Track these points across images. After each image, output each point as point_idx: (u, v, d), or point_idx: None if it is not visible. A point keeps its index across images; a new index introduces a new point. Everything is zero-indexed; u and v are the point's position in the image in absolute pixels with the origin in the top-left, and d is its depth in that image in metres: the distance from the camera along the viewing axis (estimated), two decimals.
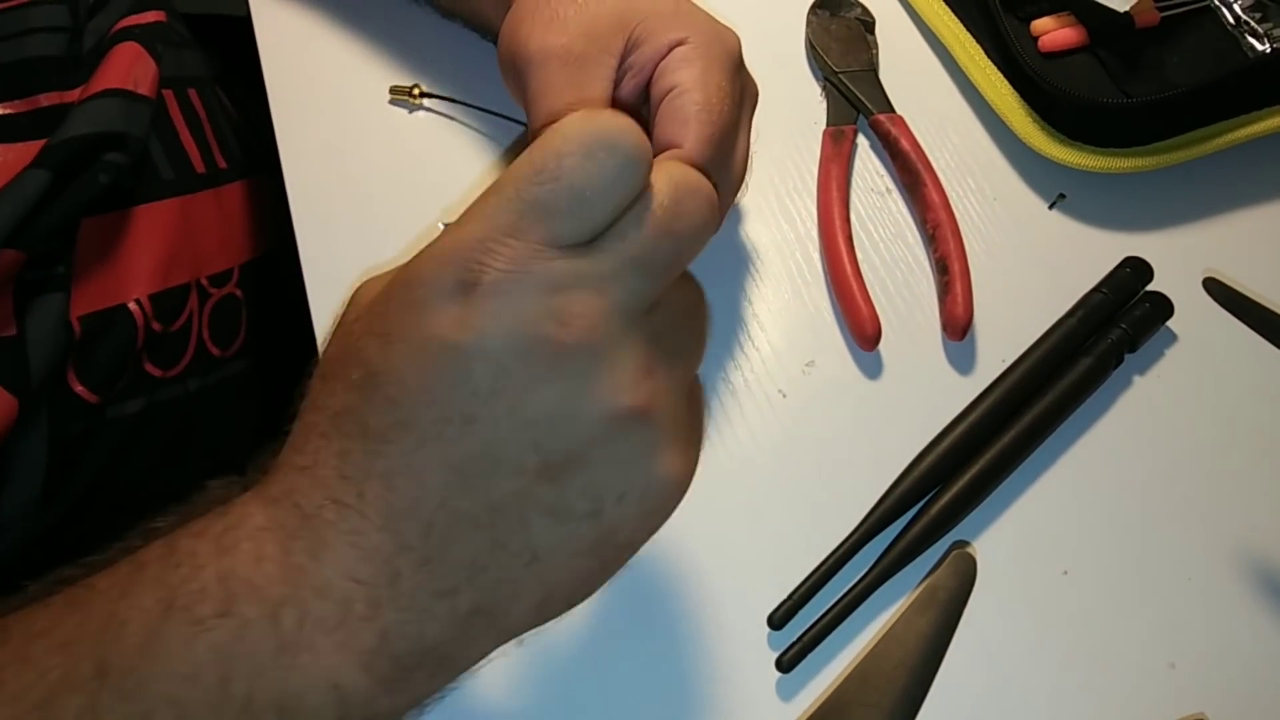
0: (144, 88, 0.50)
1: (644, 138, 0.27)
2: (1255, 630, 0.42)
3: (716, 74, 0.39)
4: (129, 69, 0.49)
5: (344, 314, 0.29)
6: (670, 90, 0.38)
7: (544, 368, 0.25)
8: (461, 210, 0.27)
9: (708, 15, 0.41)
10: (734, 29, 0.41)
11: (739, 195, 0.44)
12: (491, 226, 0.25)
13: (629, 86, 0.40)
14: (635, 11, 0.39)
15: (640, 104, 0.40)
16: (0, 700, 0.26)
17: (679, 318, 0.29)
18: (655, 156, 0.34)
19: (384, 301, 0.27)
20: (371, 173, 0.50)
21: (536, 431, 0.26)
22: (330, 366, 0.28)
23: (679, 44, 0.39)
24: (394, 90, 0.52)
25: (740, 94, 0.41)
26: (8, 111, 0.45)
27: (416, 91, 0.51)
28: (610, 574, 0.28)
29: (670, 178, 0.28)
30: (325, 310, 0.47)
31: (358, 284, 0.29)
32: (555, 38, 0.39)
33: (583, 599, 0.28)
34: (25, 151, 0.44)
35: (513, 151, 0.34)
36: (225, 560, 0.26)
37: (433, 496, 0.26)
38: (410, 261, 0.27)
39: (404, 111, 0.52)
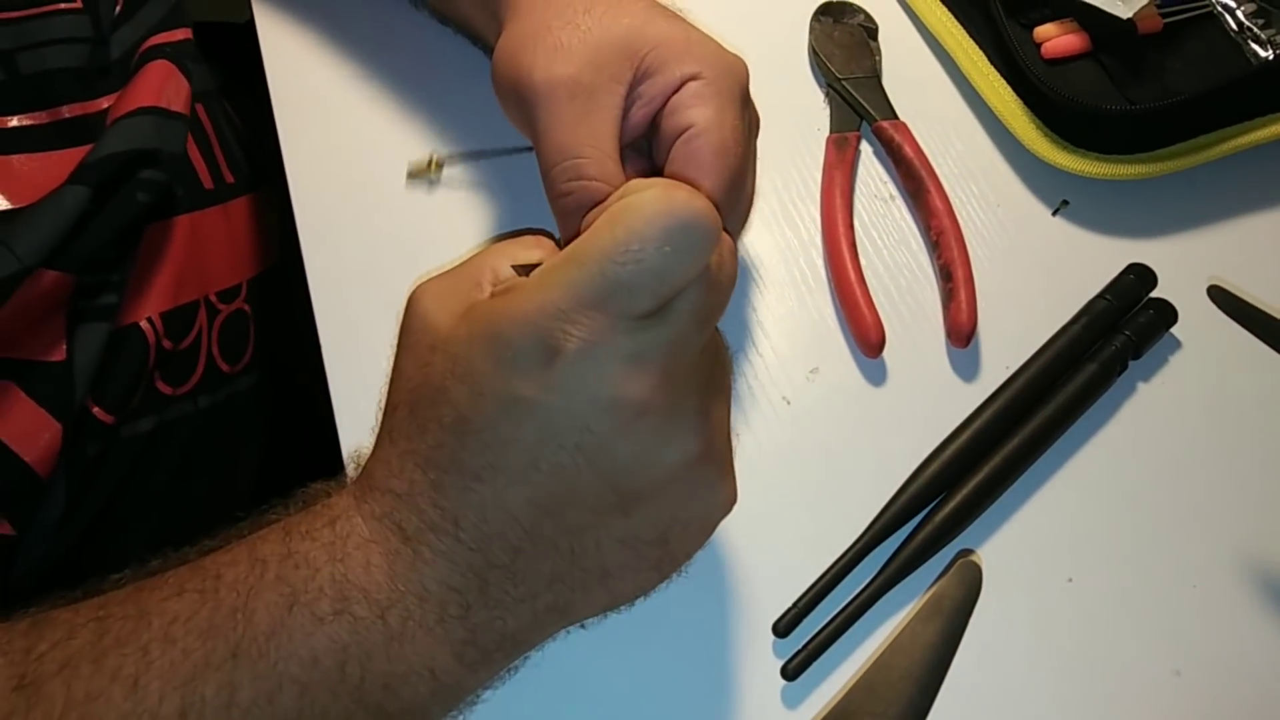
0: (178, 105, 0.50)
1: (716, 215, 0.30)
2: (1261, 637, 0.42)
3: (730, 112, 0.39)
4: (161, 87, 0.49)
5: (411, 329, 0.33)
6: (686, 129, 0.38)
7: (622, 426, 0.29)
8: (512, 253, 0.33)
9: (717, 45, 0.40)
10: (740, 54, 0.40)
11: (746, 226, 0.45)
12: (574, 298, 0.29)
13: (638, 116, 0.39)
14: (644, 40, 0.39)
15: (647, 134, 0.40)
16: (152, 675, 0.29)
17: (715, 355, 0.33)
18: None
19: (468, 347, 0.30)
20: (374, 182, 0.50)
21: (615, 478, 0.30)
22: (418, 400, 0.31)
23: (692, 78, 0.39)
24: (412, 168, 0.50)
25: (749, 127, 0.41)
26: (31, 123, 0.45)
27: (434, 162, 0.50)
28: (668, 578, 0.33)
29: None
30: (331, 323, 0.47)
31: (414, 289, 0.33)
32: (561, 68, 0.38)
33: (644, 597, 0.33)
34: (50, 161, 0.44)
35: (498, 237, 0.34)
36: (338, 566, 0.31)
37: (519, 526, 0.30)
38: (495, 314, 0.30)
39: (408, 125, 0.52)
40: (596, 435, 0.29)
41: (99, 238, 0.44)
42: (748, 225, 0.49)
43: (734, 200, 0.39)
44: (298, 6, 0.55)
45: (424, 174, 0.50)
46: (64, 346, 0.44)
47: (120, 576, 0.34)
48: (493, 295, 0.31)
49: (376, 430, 0.33)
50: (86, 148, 0.45)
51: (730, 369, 0.35)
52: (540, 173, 0.39)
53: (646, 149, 0.41)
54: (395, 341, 0.33)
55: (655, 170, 0.40)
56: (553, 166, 0.38)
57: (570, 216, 0.38)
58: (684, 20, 0.41)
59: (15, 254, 0.41)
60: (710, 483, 0.32)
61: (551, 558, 0.31)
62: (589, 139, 0.38)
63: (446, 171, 0.50)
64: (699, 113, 0.38)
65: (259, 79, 0.54)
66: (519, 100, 0.40)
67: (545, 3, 0.40)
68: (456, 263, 0.34)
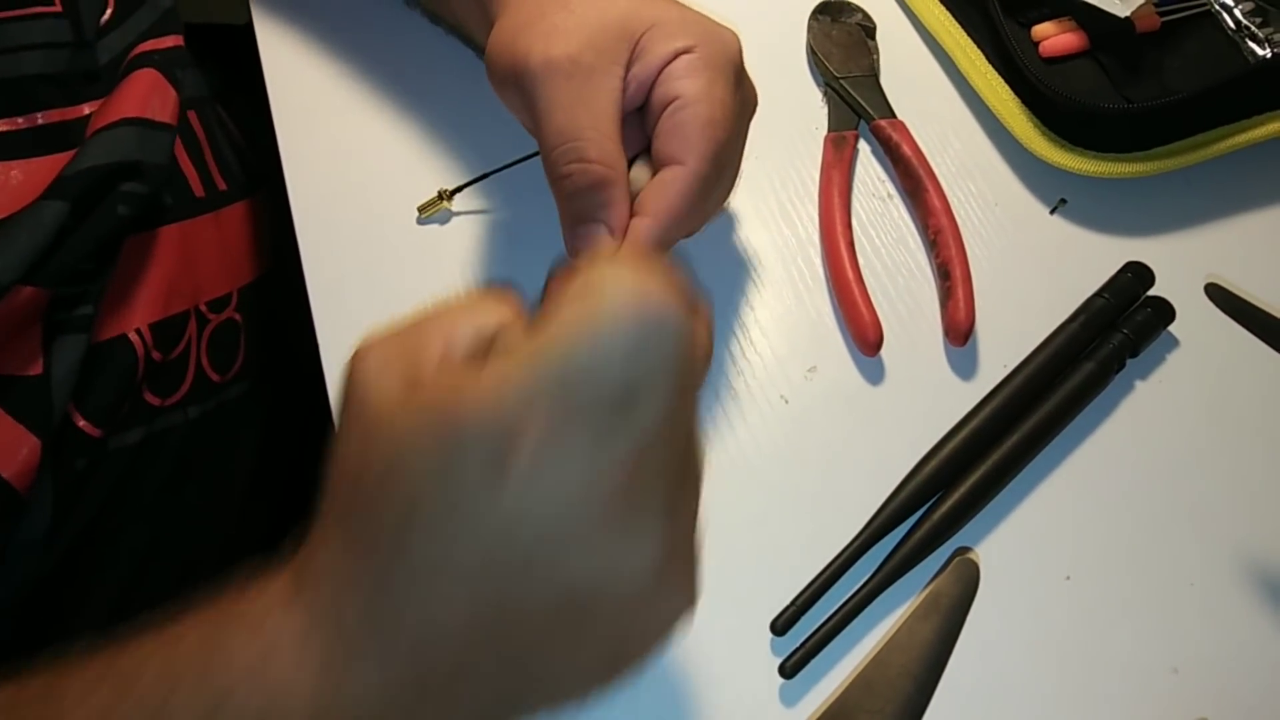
0: (163, 115, 0.49)
1: (687, 313, 0.27)
2: (1258, 634, 0.42)
3: (720, 86, 0.38)
4: (147, 97, 0.48)
5: (353, 399, 0.29)
6: (673, 101, 0.38)
7: (580, 535, 0.27)
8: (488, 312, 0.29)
9: (712, 21, 0.40)
10: (734, 30, 0.41)
11: (726, 202, 0.44)
12: (531, 391, 0.26)
13: (632, 92, 0.39)
14: (639, 20, 0.39)
15: (638, 108, 0.40)
16: None
17: (687, 444, 0.30)
18: (657, 173, 0.34)
19: (413, 439, 0.27)
20: (374, 186, 0.51)
21: (570, 590, 0.27)
22: (360, 484, 0.28)
23: (683, 52, 0.39)
24: (422, 209, 0.50)
25: (741, 103, 0.41)
26: (8, 128, 0.44)
27: (444, 194, 0.50)
28: (621, 682, 0.30)
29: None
30: (331, 329, 0.47)
31: (357, 350, 0.29)
32: (559, 49, 0.38)
33: (593, 700, 0.30)
34: (28, 169, 0.44)
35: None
36: (267, 673, 0.28)
37: (463, 634, 0.27)
38: (445, 405, 0.26)
39: (408, 128, 0.52)
40: (551, 544, 0.27)
41: (77, 252, 0.44)
42: (745, 222, 0.49)
43: (717, 175, 0.39)
44: (296, 9, 0.55)
45: (436, 208, 0.50)
46: (41, 360, 0.43)
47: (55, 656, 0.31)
48: (444, 372, 0.28)
49: (321, 509, 0.30)
50: (65, 155, 0.45)
51: (701, 454, 0.32)
52: (541, 155, 0.39)
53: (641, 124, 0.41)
54: (340, 406, 0.30)
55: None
56: (553, 149, 0.38)
57: (571, 199, 0.38)
58: (679, 3, 0.41)
59: None
60: (671, 593, 0.29)
61: (496, 668, 0.28)
62: (588, 120, 0.38)
63: (457, 200, 0.50)
64: (688, 84, 0.38)
65: (255, 83, 0.54)
66: (517, 85, 0.39)
67: None
68: (406, 322, 0.30)
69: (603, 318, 0.26)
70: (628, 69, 0.39)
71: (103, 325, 0.47)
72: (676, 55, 0.39)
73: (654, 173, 0.39)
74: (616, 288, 0.27)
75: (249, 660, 0.28)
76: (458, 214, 0.50)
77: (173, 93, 0.50)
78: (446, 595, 0.27)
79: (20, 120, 0.45)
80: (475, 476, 0.26)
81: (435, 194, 0.49)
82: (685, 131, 0.38)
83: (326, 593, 0.28)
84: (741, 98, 0.41)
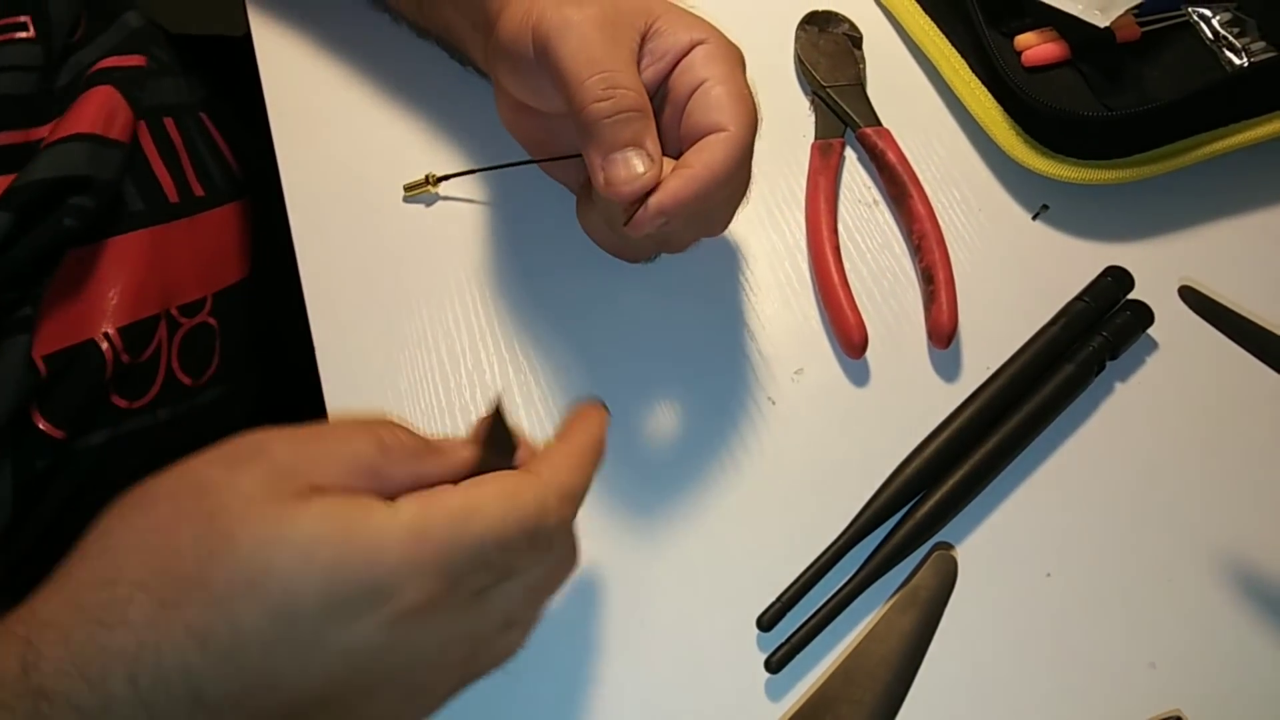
0: (115, 131, 0.50)
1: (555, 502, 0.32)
2: (1233, 630, 0.43)
3: (741, 76, 0.41)
4: (100, 113, 0.49)
5: (223, 474, 0.29)
6: (702, 83, 0.40)
7: (395, 698, 0.30)
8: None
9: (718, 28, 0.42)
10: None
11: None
12: (445, 566, 0.28)
13: (648, 73, 0.41)
14: (652, 5, 0.41)
15: (654, 97, 0.41)
16: None
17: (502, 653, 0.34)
18: (696, 142, 0.39)
19: (329, 540, 0.27)
20: (370, 192, 0.51)
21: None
22: (182, 598, 0.27)
23: (700, 43, 0.41)
24: (408, 185, 0.51)
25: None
26: None
27: (431, 179, 0.51)
28: None
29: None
30: (325, 329, 0.48)
31: (238, 444, 0.30)
32: (579, 14, 0.39)
33: None
34: None
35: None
36: None
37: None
38: (361, 525, 0.28)
39: (406, 133, 0.53)
40: (370, 696, 0.29)
41: (18, 260, 0.45)
42: (733, 227, 0.50)
43: (750, 154, 0.41)
44: (294, 19, 0.56)
45: (421, 189, 0.51)
46: None
47: None
48: (353, 485, 0.29)
49: (57, 612, 0.28)
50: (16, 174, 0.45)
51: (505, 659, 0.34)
52: (567, 96, 0.39)
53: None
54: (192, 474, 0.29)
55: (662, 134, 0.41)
56: (585, 80, 0.38)
57: (606, 128, 0.38)
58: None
59: None
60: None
61: None
62: (620, 58, 0.39)
63: (444, 187, 0.51)
64: (713, 68, 0.40)
65: (246, 92, 0.55)
66: (540, 45, 0.39)
67: None
68: (318, 428, 0.31)
69: (526, 518, 0.30)
70: (642, 44, 0.41)
71: (65, 330, 0.47)
72: (694, 45, 0.41)
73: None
74: (488, 510, 0.29)
75: None
76: (453, 221, 0.51)
77: (128, 111, 0.51)
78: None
79: None
80: (352, 609, 0.27)
81: (423, 177, 0.50)
82: (722, 103, 0.40)
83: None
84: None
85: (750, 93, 0.41)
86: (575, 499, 0.33)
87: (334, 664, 0.28)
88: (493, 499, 0.30)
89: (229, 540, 0.27)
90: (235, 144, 0.61)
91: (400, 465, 0.31)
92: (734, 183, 0.41)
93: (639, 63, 0.41)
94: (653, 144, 0.39)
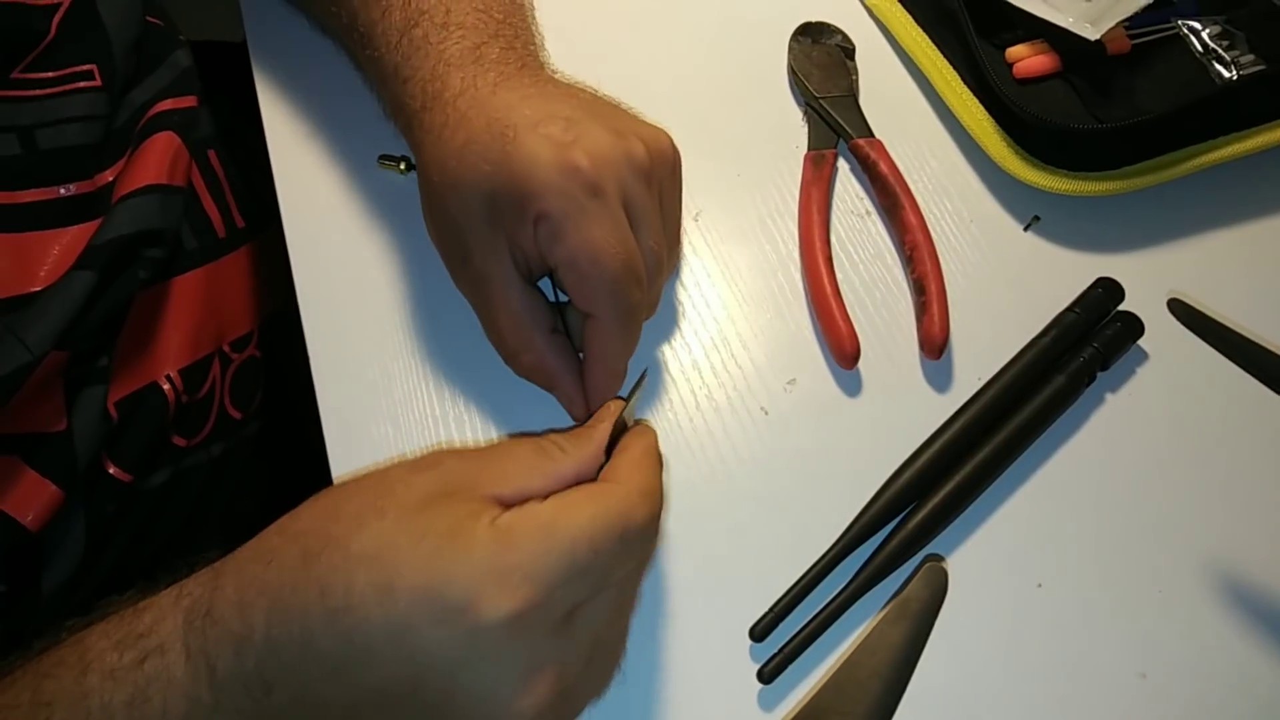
0: (178, 178, 0.50)
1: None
2: (1223, 640, 0.43)
3: (585, 229, 0.38)
4: (164, 161, 0.49)
5: (405, 473, 0.33)
6: (557, 267, 0.39)
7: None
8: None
9: (551, 150, 0.38)
10: (590, 127, 0.39)
11: (673, 265, 0.47)
12: (534, 574, 0.30)
13: (529, 264, 0.41)
14: (495, 187, 0.39)
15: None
16: None
17: (604, 675, 0.35)
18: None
19: (400, 535, 0.30)
20: (366, 199, 0.52)
21: None
22: (313, 556, 0.31)
23: (538, 218, 0.38)
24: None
25: (626, 196, 0.39)
26: (45, 198, 0.45)
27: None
28: None
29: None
30: (324, 344, 0.48)
31: (427, 454, 0.35)
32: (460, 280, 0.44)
33: None
34: (60, 238, 0.45)
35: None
36: (135, 714, 0.31)
37: None
38: (447, 556, 0.30)
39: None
40: (452, 712, 0.30)
41: (101, 317, 0.45)
42: (726, 239, 0.50)
43: (634, 297, 0.40)
44: (289, 29, 0.56)
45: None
46: (64, 416, 0.45)
47: None
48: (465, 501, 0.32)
49: (243, 551, 0.33)
50: (93, 224, 0.46)
51: (612, 677, 0.36)
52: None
53: None
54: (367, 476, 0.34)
55: None
56: (503, 340, 0.43)
57: (527, 377, 0.44)
58: (519, 125, 0.39)
59: (26, 345, 0.41)
60: None
61: None
62: (506, 328, 0.42)
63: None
64: (559, 250, 0.38)
65: (248, 102, 0.55)
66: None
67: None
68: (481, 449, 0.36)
69: (632, 522, 0.32)
70: (513, 245, 0.40)
71: (131, 376, 0.48)
72: (536, 224, 0.39)
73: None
74: (643, 507, 0.33)
75: (115, 707, 0.31)
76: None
77: (186, 155, 0.51)
78: (323, 692, 0.30)
79: (59, 190, 0.46)
80: (430, 617, 0.29)
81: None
82: (581, 290, 0.39)
83: (214, 636, 0.31)
84: (622, 190, 0.39)
85: (603, 244, 0.38)
86: (656, 497, 0.35)
87: (420, 657, 0.29)
88: (581, 504, 0.32)
89: (379, 515, 0.31)
90: (259, 166, 0.61)
91: (559, 458, 0.35)
92: (630, 338, 0.42)
93: (522, 265, 0.41)
94: (562, 391, 0.42)
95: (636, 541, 0.33)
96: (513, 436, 0.36)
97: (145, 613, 0.33)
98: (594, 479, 0.35)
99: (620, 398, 0.42)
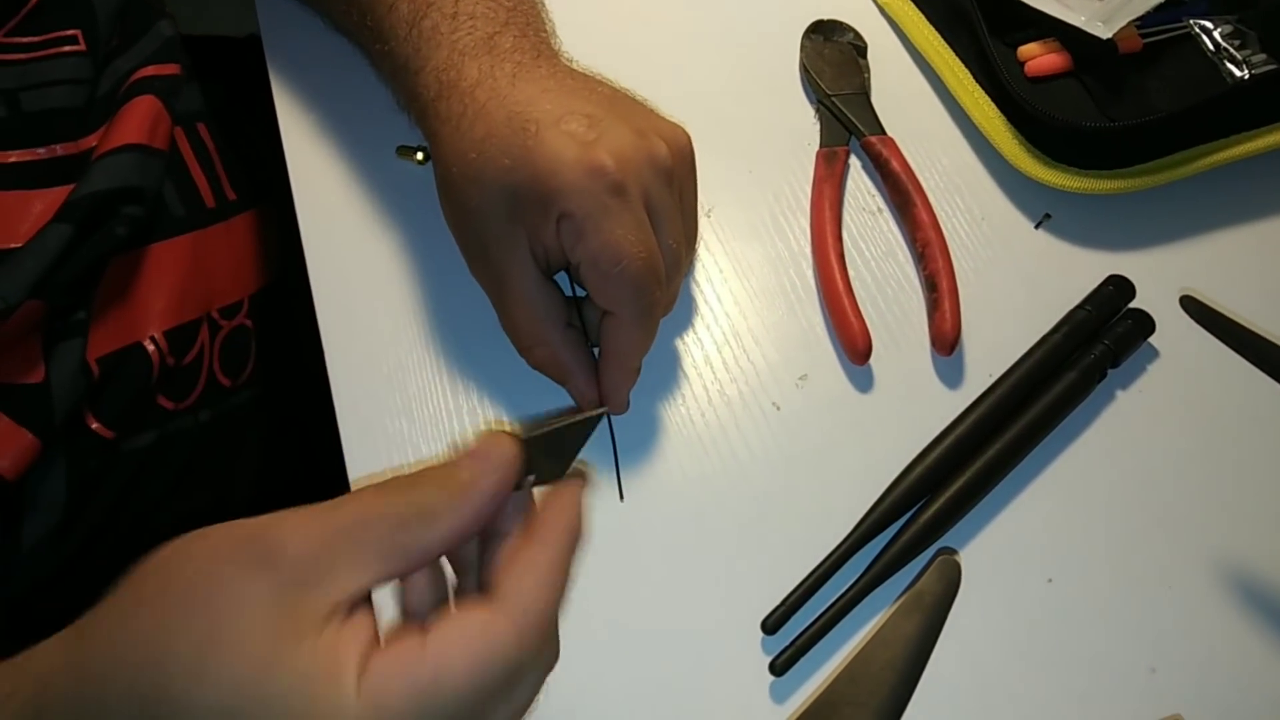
0: (159, 140, 0.51)
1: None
2: (1232, 635, 0.43)
3: (609, 228, 0.38)
4: (145, 123, 0.50)
5: (235, 574, 0.28)
6: (579, 265, 0.39)
7: None
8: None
9: (575, 149, 0.38)
10: (614, 126, 0.40)
11: (689, 262, 0.48)
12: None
13: (549, 260, 0.41)
14: (516, 184, 0.39)
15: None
16: None
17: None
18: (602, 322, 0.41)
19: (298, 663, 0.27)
20: (381, 190, 0.52)
21: None
22: (176, 691, 0.27)
23: (561, 217, 0.39)
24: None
25: (648, 196, 0.40)
26: (29, 159, 0.46)
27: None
28: None
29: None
30: (335, 334, 0.48)
31: (256, 534, 0.28)
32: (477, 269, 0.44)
33: None
34: (43, 198, 0.46)
35: None
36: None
37: None
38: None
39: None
40: None
41: (76, 269, 0.46)
42: (738, 235, 0.51)
43: (654, 293, 0.40)
44: (302, 21, 0.56)
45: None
46: (42, 368, 0.45)
47: None
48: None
49: (88, 647, 0.29)
50: (73, 185, 0.46)
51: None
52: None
53: None
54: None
55: None
56: (514, 345, 0.44)
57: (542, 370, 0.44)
58: (541, 121, 0.39)
59: (0, 294, 0.42)
60: None
61: None
62: (523, 321, 0.42)
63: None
64: (580, 249, 0.39)
65: (257, 94, 0.55)
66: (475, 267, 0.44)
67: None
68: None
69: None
70: (532, 240, 0.40)
71: (114, 333, 0.49)
72: (558, 223, 0.39)
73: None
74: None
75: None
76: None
77: (168, 119, 0.52)
78: None
79: (41, 151, 0.47)
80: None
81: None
82: (602, 288, 0.39)
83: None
84: (643, 191, 0.39)
85: (624, 242, 0.38)
86: (552, 619, 0.30)
87: None
88: (460, 658, 0.27)
89: (219, 665, 0.27)
90: (255, 146, 0.61)
91: (425, 532, 0.29)
92: (650, 328, 0.42)
93: (541, 260, 0.41)
94: (575, 386, 0.43)
95: (530, 679, 0.30)
96: (375, 485, 0.29)
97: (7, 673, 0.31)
98: (469, 556, 0.32)
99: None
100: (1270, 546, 0.45)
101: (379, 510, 0.29)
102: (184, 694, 0.26)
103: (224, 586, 0.27)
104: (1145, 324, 0.48)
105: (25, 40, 0.48)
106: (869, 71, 0.56)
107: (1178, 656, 0.42)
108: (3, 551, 0.46)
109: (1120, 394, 0.48)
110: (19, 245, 0.44)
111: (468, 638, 0.28)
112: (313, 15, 0.56)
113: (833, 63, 0.56)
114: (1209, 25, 0.54)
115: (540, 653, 0.30)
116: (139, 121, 0.50)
